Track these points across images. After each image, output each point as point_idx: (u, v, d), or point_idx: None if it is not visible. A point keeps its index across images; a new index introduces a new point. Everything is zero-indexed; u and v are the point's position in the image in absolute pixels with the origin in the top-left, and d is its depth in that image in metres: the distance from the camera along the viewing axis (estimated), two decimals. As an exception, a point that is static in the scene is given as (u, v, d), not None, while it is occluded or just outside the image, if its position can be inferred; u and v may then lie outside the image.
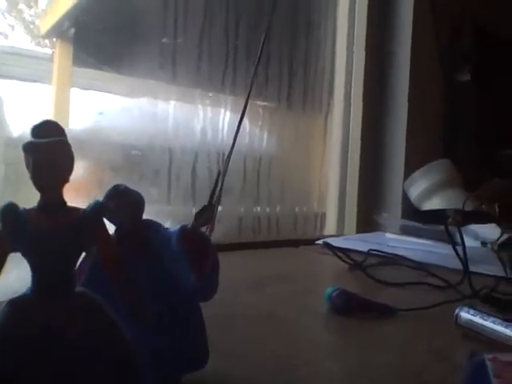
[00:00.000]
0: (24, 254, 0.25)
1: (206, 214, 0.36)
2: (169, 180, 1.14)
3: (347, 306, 0.55)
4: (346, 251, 0.82)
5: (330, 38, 1.41)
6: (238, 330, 0.49)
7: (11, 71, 1.01)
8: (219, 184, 0.39)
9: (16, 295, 0.25)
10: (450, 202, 1.10)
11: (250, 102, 1.11)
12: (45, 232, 0.25)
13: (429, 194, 1.18)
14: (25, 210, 0.25)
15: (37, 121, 0.24)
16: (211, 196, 0.37)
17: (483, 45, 1.39)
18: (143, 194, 0.35)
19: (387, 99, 1.35)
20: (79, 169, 1.05)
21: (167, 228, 0.37)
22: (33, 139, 0.25)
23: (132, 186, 0.35)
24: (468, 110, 1.38)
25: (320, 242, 0.93)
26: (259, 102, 1.32)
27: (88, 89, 1.12)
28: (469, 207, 0.92)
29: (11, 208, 0.24)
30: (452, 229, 0.75)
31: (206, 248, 0.36)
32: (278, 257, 0.92)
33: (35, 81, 1.05)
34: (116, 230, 0.34)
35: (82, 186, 1.04)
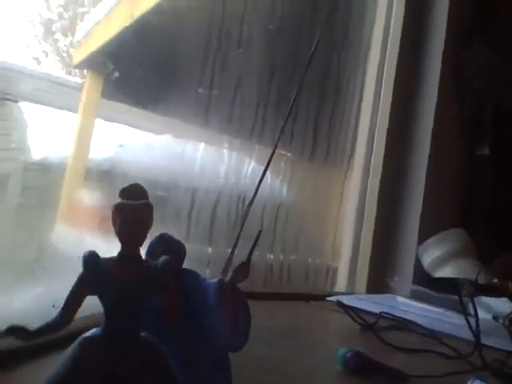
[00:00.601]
0: (100, 298, 0.28)
1: (244, 269, 0.38)
2: (189, 219, 1.17)
3: (360, 368, 0.56)
4: (357, 310, 0.83)
5: (357, 99, 1.46)
6: (250, 383, 0.50)
7: (40, 96, 1.05)
8: (257, 241, 0.41)
9: (89, 334, 0.28)
10: (462, 272, 1.11)
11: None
12: (121, 281, 0.28)
13: (441, 262, 1.20)
14: (105, 259, 0.28)
15: (126, 185, 0.28)
16: (250, 252, 0.39)
17: (503, 121, 1.43)
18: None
19: (407, 163, 1.38)
20: (96, 198, 1.08)
21: (205, 278, 0.39)
22: (123, 200, 0.28)
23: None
24: (486, 182, 1.41)
25: (333, 298, 0.94)
26: (282, 152, 1.36)
27: (114, 121, 1.16)
28: (482, 279, 0.94)
29: (93, 256, 0.28)
30: (465, 299, 0.77)
31: (241, 302, 0.38)
32: (289, 310, 0.93)
33: (62, 108, 1.09)
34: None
35: (98, 216, 1.06)
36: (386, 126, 1.38)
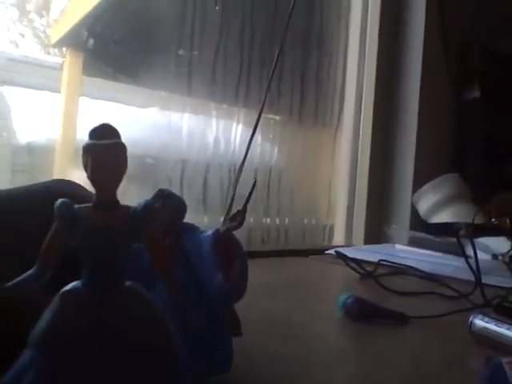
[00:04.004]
0: (77, 249, 0.26)
1: (239, 218, 0.37)
2: (181, 189, 1.16)
3: (361, 313, 0.56)
4: (356, 261, 0.83)
5: (342, 52, 1.44)
6: (254, 335, 0.49)
7: (20, 79, 1.02)
8: (253, 191, 0.40)
9: (69, 287, 0.26)
10: (458, 216, 1.12)
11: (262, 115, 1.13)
12: (98, 229, 0.26)
13: (437, 208, 1.20)
14: (80, 207, 0.26)
15: (95, 124, 0.26)
16: (246, 201, 0.38)
17: (492, 62, 1.41)
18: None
19: (397, 113, 1.37)
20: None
21: (203, 232, 0.38)
22: (92, 141, 0.26)
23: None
24: (476, 125, 1.40)
25: (331, 251, 0.94)
26: (271, 116, 1.34)
27: (97, 98, 1.13)
28: (478, 221, 0.94)
29: (67, 205, 0.26)
30: (463, 241, 0.77)
31: (237, 252, 0.37)
32: (288, 266, 0.93)
33: (44, 89, 1.07)
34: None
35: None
36: (374, 78, 1.36)
